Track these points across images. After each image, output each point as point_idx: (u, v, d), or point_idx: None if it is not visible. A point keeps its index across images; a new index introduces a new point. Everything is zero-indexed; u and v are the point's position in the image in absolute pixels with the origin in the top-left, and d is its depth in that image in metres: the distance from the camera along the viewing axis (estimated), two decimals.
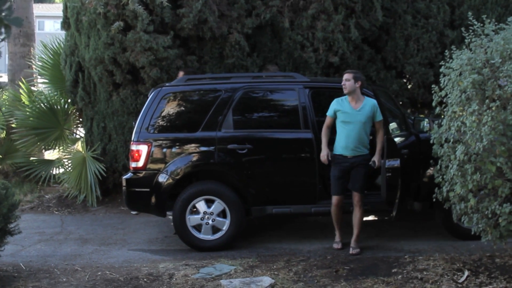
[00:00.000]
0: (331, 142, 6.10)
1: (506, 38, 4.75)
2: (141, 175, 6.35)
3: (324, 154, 6.02)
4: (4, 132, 9.83)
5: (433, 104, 5.26)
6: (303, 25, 7.93)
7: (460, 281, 4.95)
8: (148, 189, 6.30)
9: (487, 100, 4.59)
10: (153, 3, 7.42)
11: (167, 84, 6.64)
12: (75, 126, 9.55)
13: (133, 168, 6.36)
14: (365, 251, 6.01)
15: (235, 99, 6.39)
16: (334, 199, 6.03)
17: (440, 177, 5.21)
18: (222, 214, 6.26)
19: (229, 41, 7.79)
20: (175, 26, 7.65)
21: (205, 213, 6.24)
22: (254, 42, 8.08)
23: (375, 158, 5.93)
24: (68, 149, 9.26)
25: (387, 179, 5.72)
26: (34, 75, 10.22)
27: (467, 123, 4.63)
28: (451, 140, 5.01)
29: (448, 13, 8.29)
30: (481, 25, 5.02)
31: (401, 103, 8.24)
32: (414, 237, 6.54)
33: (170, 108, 6.51)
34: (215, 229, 6.27)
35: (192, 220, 6.26)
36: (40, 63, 9.66)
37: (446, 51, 5.72)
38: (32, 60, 10.16)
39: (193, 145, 6.37)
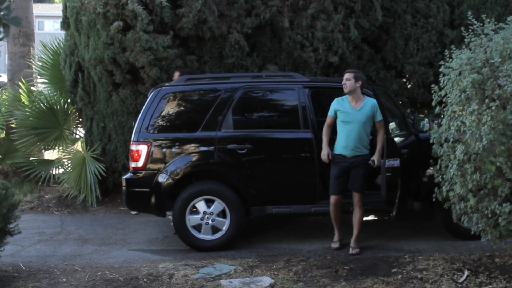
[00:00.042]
0: (331, 142, 6.10)
1: (505, 38, 4.75)
2: (140, 175, 6.35)
3: (324, 153, 6.02)
4: (4, 132, 9.82)
5: (433, 103, 5.25)
6: (302, 25, 7.93)
7: (460, 281, 4.94)
8: (148, 189, 6.30)
9: (486, 100, 4.58)
10: (153, 3, 7.42)
11: (166, 84, 6.64)
12: (74, 126, 9.54)
13: (133, 168, 6.36)
14: (365, 251, 6.01)
15: (234, 99, 6.38)
16: (332, 199, 6.03)
17: (440, 176, 5.21)
18: (222, 214, 6.26)
19: (229, 41, 7.79)
20: (175, 26, 7.65)
21: (205, 213, 6.24)
22: (253, 42, 8.07)
23: (375, 157, 5.93)
24: (68, 149, 9.25)
25: (387, 179, 5.72)
26: (34, 75, 10.20)
27: (467, 123, 4.62)
28: (451, 139, 5.01)
29: (448, 12, 8.28)
30: (481, 24, 5.02)
31: (400, 102, 8.23)
32: (414, 237, 6.53)
33: (170, 108, 6.51)
34: (215, 229, 6.27)
35: (192, 220, 6.25)
36: (40, 63, 9.65)
37: (446, 50, 5.72)
38: (31, 60, 10.14)
39: (192, 145, 6.36)
